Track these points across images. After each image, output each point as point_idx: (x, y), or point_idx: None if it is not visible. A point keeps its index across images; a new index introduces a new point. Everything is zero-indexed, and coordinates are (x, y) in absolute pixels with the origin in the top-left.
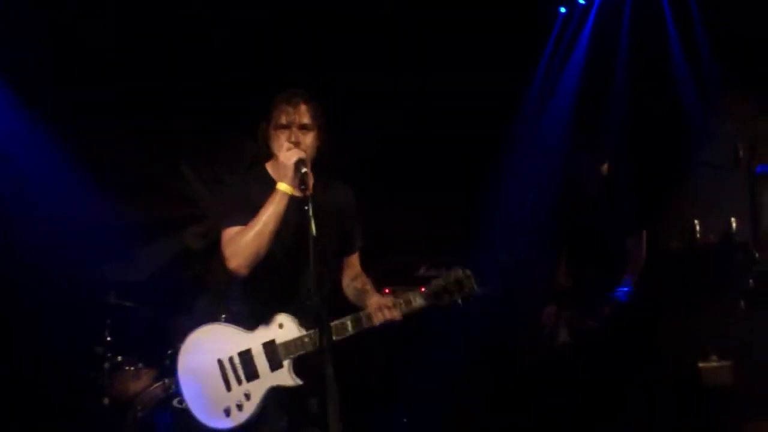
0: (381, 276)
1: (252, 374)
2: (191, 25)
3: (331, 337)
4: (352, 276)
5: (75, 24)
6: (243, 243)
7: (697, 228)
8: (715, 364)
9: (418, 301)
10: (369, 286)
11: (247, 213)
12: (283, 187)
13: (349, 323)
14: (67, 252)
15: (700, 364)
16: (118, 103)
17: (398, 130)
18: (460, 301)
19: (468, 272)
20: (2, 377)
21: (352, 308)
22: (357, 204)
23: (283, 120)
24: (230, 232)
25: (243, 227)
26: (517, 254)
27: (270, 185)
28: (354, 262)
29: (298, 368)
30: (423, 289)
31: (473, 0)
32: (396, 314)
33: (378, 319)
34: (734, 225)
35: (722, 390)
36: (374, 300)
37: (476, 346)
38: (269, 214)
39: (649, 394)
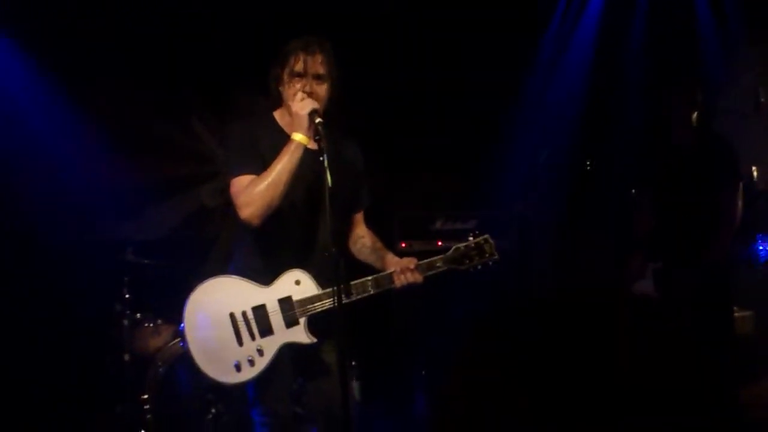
0: (397, 229)
1: (266, 330)
2: None
3: (350, 293)
4: (360, 234)
5: None
6: (256, 192)
7: (755, 174)
8: (736, 314)
9: (439, 266)
10: (380, 244)
11: (256, 161)
12: (298, 137)
13: (369, 284)
14: (83, 211)
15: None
16: (129, 62)
17: (412, 89)
18: (480, 266)
19: (488, 238)
20: (24, 337)
21: (362, 265)
22: (365, 160)
23: (299, 67)
24: (242, 181)
25: (255, 177)
26: (533, 205)
27: (278, 134)
28: (360, 219)
29: (313, 325)
30: (444, 255)
31: None
32: (418, 277)
33: (400, 281)
34: (755, 173)
35: (744, 339)
36: (394, 261)
37: (494, 299)
38: (283, 164)
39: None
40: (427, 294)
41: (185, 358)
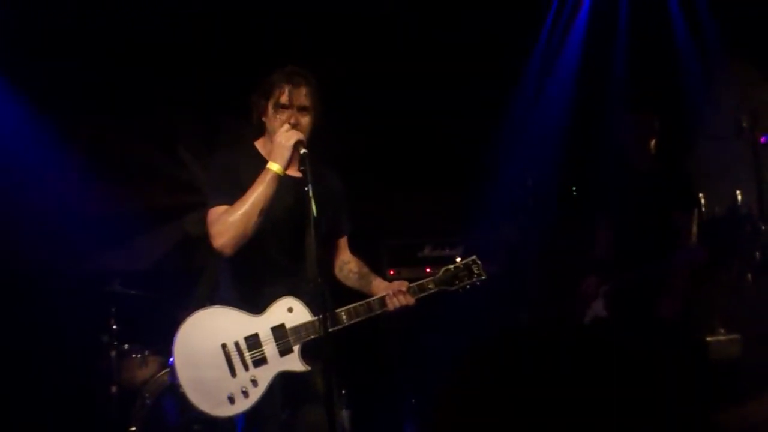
0: (385, 257)
1: (260, 360)
2: (188, 14)
3: (341, 320)
4: (345, 260)
5: (70, 15)
6: (230, 222)
7: (702, 201)
8: (722, 337)
9: (431, 287)
10: (367, 270)
11: (234, 191)
12: (274, 167)
13: (361, 309)
14: (69, 242)
15: (708, 338)
16: (115, 91)
17: (398, 112)
18: (469, 287)
19: (476, 258)
20: (10, 368)
21: (349, 291)
22: (349, 187)
23: (284, 100)
24: (217, 211)
25: (229, 206)
26: (521, 228)
27: (259, 163)
28: (344, 245)
29: (306, 352)
30: (434, 276)
31: None
32: (410, 300)
33: (393, 304)
34: (739, 197)
35: (730, 363)
36: (384, 285)
37: (483, 324)
38: (258, 194)
39: (657, 367)
40: (416, 321)
41: (174, 390)
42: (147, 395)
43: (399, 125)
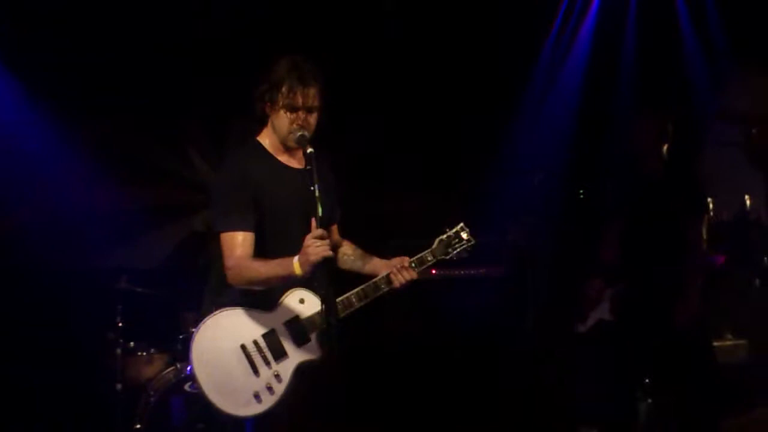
0: (390, 257)
1: (280, 354)
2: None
3: (351, 303)
4: (338, 244)
5: (78, 13)
6: (243, 277)
7: (711, 206)
8: (729, 342)
9: (429, 259)
10: (361, 251)
11: (245, 213)
12: (297, 271)
13: (369, 289)
14: (77, 239)
15: (715, 343)
16: (124, 89)
17: (404, 113)
18: (465, 253)
19: (463, 225)
20: (16, 365)
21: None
22: (334, 175)
23: (296, 102)
24: (230, 239)
25: (245, 235)
26: (527, 230)
27: (267, 159)
28: (335, 230)
29: (322, 341)
30: (430, 248)
31: None
32: (413, 274)
33: (398, 280)
34: (748, 203)
35: (737, 368)
36: (384, 263)
37: (487, 327)
38: (274, 278)
39: (665, 372)
40: (420, 321)
41: (179, 387)
42: (152, 393)
43: (405, 126)
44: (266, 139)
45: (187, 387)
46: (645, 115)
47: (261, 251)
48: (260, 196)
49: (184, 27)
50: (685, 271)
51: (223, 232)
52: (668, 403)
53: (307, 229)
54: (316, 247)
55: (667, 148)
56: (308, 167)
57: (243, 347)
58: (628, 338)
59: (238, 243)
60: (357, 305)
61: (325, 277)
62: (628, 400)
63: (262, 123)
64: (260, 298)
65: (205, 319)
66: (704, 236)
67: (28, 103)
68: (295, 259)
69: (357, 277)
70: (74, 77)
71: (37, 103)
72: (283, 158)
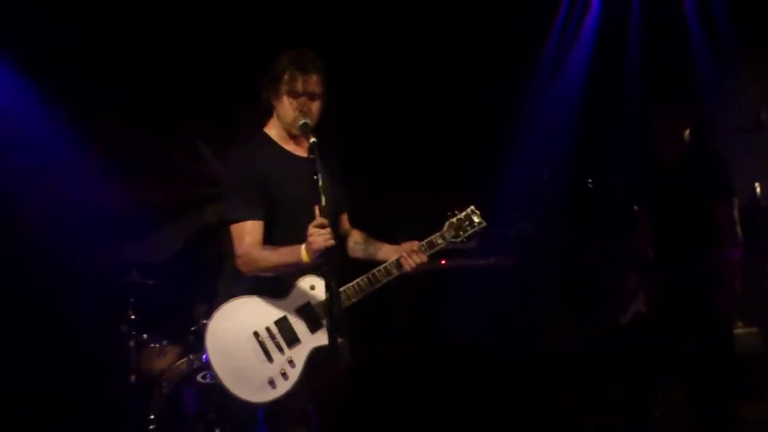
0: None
1: (293, 339)
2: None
3: (362, 288)
4: (348, 233)
5: (90, 12)
6: (253, 265)
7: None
8: (741, 330)
9: (440, 242)
10: (372, 238)
11: (254, 203)
12: (304, 256)
13: (379, 274)
14: (88, 233)
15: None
16: (133, 84)
17: (410, 107)
18: (476, 237)
19: (474, 208)
20: (29, 358)
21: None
22: (342, 164)
23: (296, 87)
24: (240, 228)
25: (254, 224)
26: (536, 222)
27: (274, 149)
28: (346, 219)
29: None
30: (441, 231)
31: None
32: (424, 258)
33: (408, 264)
34: (758, 189)
35: (751, 356)
36: (394, 248)
37: (497, 319)
38: (283, 266)
39: (681, 360)
40: (431, 315)
41: (192, 378)
42: (165, 384)
43: (412, 119)
44: (273, 130)
45: (199, 378)
46: (665, 103)
47: (271, 240)
48: (268, 186)
49: (190, 23)
50: (720, 257)
51: (232, 222)
52: (683, 392)
53: (312, 219)
54: (318, 236)
55: (689, 135)
56: (311, 156)
57: (256, 334)
58: (665, 329)
59: (247, 231)
60: (368, 290)
61: (333, 266)
62: (649, 392)
63: (268, 114)
64: (272, 286)
65: (219, 307)
66: (736, 219)
67: (40, 100)
68: (303, 246)
69: (369, 265)
70: (85, 74)
71: (48, 100)
72: (290, 147)
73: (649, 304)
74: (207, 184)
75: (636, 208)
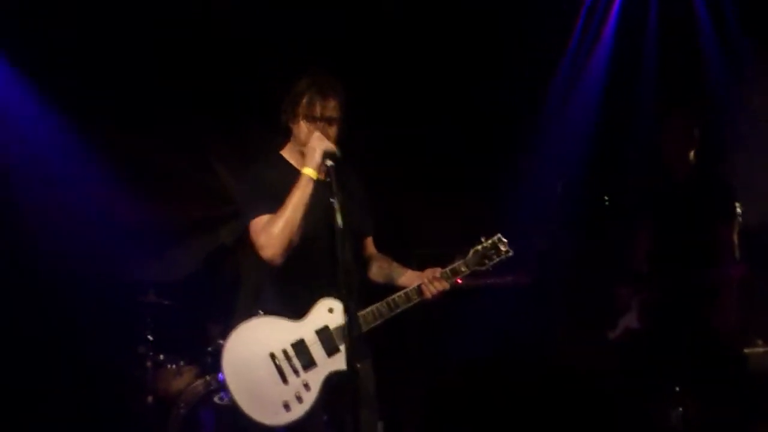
0: (414, 267)
1: (309, 363)
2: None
3: (382, 313)
4: (373, 257)
5: (103, 28)
6: (275, 231)
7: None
8: (761, 349)
9: (463, 270)
10: (396, 263)
11: (271, 201)
12: (308, 171)
13: (399, 300)
14: (106, 253)
15: (746, 350)
16: (150, 103)
17: (424, 121)
18: (498, 264)
19: (501, 237)
20: (47, 378)
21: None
22: (364, 187)
23: (314, 112)
24: (259, 222)
25: (271, 216)
26: (551, 236)
27: (288, 171)
28: (370, 243)
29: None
30: (465, 258)
31: None
32: (445, 285)
33: (429, 291)
34: None
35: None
36: (416, 274)
37: (509, 337)
38: (297, 200)
39: (697, 379)
40: (444, 330)
41: (209, 399)
42: (182, 405)
43: (426, 133)
44: (289, 153)
45: (216, 399)
46: (672, 119)
47: (284, 267)
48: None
49: (190, 23)
50: (717, 277)
51: (250, 219)
52: (698, 411)
53: (331, 241)
54: (314, 140)
55: (695, 153)
56: (327, 179)
57: (272, 356)
58: (658, 346)
59: (265, 220)
60: (387, 315)
61: (352, 288)
62: (658, 408)
63: (285, 136)
64: (291, 308)
65: (236, 328)
66: (735, 242)
67: (56, 117)
68: (303, 169)
69: (391, 290)
70: (101, 91)
71: (65, 117)
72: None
73: (641, 321)
74: (223, 203)
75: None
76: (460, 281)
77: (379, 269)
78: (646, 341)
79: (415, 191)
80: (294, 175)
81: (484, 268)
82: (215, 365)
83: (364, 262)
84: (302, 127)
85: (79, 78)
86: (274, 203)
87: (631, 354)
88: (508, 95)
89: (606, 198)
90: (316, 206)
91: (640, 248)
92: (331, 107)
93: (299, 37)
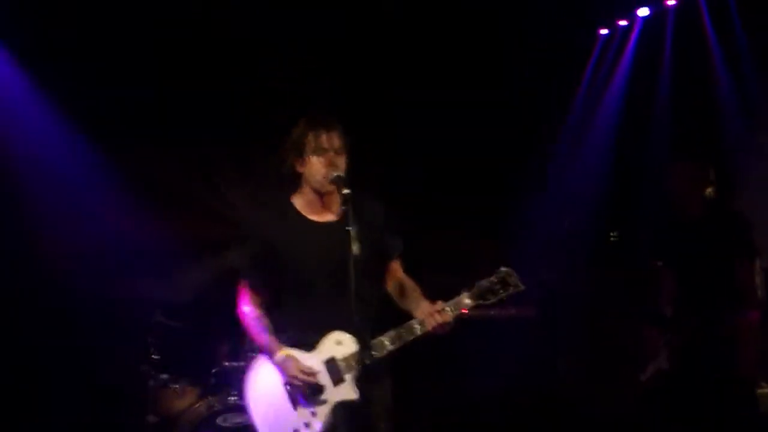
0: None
1: (317, 392)
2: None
3: (384, 346)
4: (396, 283)
5: (103, 28)
6: (244, 324)
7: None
8: (766, 390)
9: (466, 302)
10: (417, 293)
11: (262, 271)
12: (277, 359)
13: (402, 332)
14: (112, 272)
15: (758, 390)
16: (159, 124)
17: (435, 154)
18: (505, 298)
19: (511, 271)
20: (50, 396)
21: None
22: (385, 211)
23: (324, 145)
24: (244, 288)
25: (252, 297)
26: (558, 272)
27: (296, 218)
28: (397, 267)
29: (359, 382)
30: (469, 291)
31: (513, 24)
32: (447, 317)
33: (431, 324)
34: None
35: None
36: (423, 306)
37: (519, 370)
38: (258, 344)
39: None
40: (448, 362)
41: (211, 421)
42: (183, 426)
43: (436, 166)
44: (298, 199)
45: (219, 420)
46: (686, 159)
47: (285, 305)
48: (277, 254)
49: (190, 23)
50: (740, 317)
51: (240, 277)
52: None
53: (337, 283)
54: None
55: (710, 192)
56: (343, 208)
57: (286, 384)
58: (687, 387)
59: (247, 293)
60: (391, 347)
61: (367, 318)
62: None
63: (293, 183)
64: (302, 340)
65: (257, 358)
66: (757, 281)
67: (68, 134)
68: (280, 351)
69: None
70: (113, 110)
71: (78, 136)
72: (315, 216)
73: (671, 362)
74: (232, 225)
75: (660, 264)
76: (465, 311)
77: (400, 297)
78: (674, 384)
79: (423, 223)
80: (301, 222)
81: (490, 302)
82: (219, 386)
83: (393, 287)
84: (313, 163)
85: (97, 98)
86: (264, 272)
87: (662, 396)
88: (522, 132)
89: (612, 234)
90: (322, 251)
91: (666, 290)
92: (337, 137)
93: (299, 37)
